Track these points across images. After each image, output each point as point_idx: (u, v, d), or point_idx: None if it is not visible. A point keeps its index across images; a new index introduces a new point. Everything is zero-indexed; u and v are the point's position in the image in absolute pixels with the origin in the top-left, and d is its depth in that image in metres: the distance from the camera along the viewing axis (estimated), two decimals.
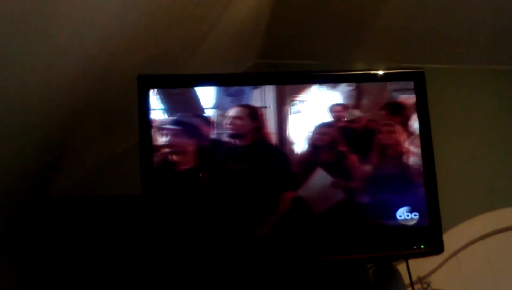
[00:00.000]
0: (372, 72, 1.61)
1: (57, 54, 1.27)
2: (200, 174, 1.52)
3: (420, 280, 1.87)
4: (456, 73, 2.22)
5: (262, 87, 1.57)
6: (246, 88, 1.56)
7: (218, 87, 1.57)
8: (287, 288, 1.76)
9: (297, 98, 1.57)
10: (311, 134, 1.55)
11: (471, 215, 1.99)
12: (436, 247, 1.53)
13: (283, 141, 1.55)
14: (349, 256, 1.53)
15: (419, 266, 1.84)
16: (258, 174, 1.54)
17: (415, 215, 1.52)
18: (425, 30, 2.04)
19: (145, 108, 1.51)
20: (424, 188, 1.54)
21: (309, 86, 1.58)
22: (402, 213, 1.52)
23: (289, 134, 1.55)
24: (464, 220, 1.98)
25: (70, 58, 1.33)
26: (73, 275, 1.76)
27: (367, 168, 1.54)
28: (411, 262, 1.67)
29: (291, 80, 1.61)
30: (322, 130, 1.56)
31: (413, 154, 1.55)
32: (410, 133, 1.57)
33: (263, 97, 1.56)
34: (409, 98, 1.58)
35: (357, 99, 1.58)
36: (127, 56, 1.53)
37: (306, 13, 1.94)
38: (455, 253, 1.95)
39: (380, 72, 1.61)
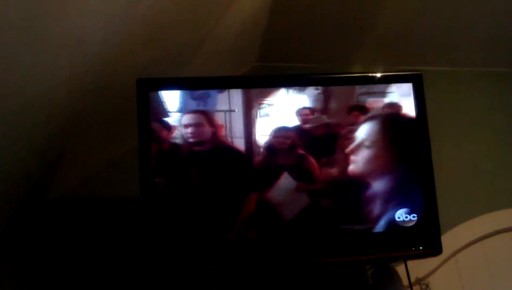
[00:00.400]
0: (370, 74, 1.62)
1: (57, 56, 1.27)
2: (156, 179, 1.51)
3: (419, 281, 1.88)
4: (455, 75, 2.23)
5: (228, 90, 1.56)
6: (212, 92, 1.56)
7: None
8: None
9: (265, 102, 1.56)
10: (277, 137, 1.55)
11: (470, 217, 1.99)
12: (434, 249, 1.53)
13: (248, 145, 1.54)
14: (348, 257, 1.54)
15: (418, 267, 1.84)
16: (219, 179, 1.53)
17: (413, 217, 1.53)
18: (423, 32, 2.05)
19: (144, 111, 1.51)
20: (422, 190, 1.54)
21: (278, 90, 1.58)
22: (401, 215, 1.52)
23: (255, 137, 1.54)
24: (463, 221, 1.98)
25: (70, 61, 1.34)
26: (73, 277, 1.76)
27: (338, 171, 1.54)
28: (410, 263, 1.67)
29: (294, 82, 1.61)
30: (285, 134, 1.56)
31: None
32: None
33: (230, 100, 1.56)
34: (376, 102, 1.58)
35: (324, 103, 1.58)
36: (126, 59, 1.54)
37: (305, 16, 1.94)
38: (453, 254, 1.95)
39: (378, 75, 1.61)
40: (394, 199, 1.54)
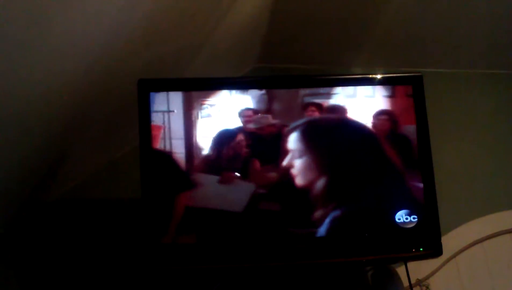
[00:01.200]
0: (370, 76, 1.62)
1: (57, 58, 1.28)
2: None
3: (419, 282, 1.88)
4: (454, 77, 2.23)
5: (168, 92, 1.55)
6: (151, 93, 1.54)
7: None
8: None
9: (206, 102, 1.55)
10: (220, 139, 1.54)
11: (470, 218, 1.99)
12: (435, 250, 1.53)
13: (189, 146, 1.53)
14: (348, 258, 1.54)
15: (418, 269, 1.84)
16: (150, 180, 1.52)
17: (414, 218, 1.53)
18: (423, 34, 2.05)
19: (145, 111, 1.52)
20: (423, 191, 1.54)
21: (220, 91, 1.56)
22: (401, 216, 1.52)
23: (195, 139, 1.53)
24: (463, 223, 1.97)
25: (71, 63, 1.34)
26: (73, 278, 1.76)
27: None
28: (410, 264, 1.67)
29: (300, 83, 1.61)
30: (232, 135, 1.55)
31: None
32: None
33: (168, 101, 1.54)
34: (323, 103, 1.57)
35: (268, 104, 1.57)
36: (127, 60, 1.54)
37: (305, 17, 1.94)
38: (454, 256, 1.95)
39: (379, 76, 1.61)
40: (394, 200, 1.54)
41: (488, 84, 2.23)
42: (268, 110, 1.56)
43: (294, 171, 1.52)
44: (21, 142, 1.45)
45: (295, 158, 1.53)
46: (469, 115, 2.17)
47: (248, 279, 1.76)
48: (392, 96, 1.60)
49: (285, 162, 1.52)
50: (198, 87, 1.58)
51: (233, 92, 1.57)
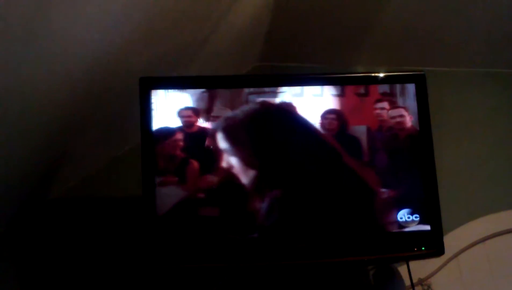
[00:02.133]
0: (373, 74, 1.61)
1: (58, 57, 1.28)
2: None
3: (421, 282, 1.87)
4: (455, 76, 2.23)
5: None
6: None
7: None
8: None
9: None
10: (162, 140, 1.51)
11: (472, 217, 1.98)
12: (437, 249, 1.53)
13: None
14: (350, 258, 1.53)
15: (420, 268, 1.84)
16: None
17: (416, 217, 1.52)
18: (424, 33, 2.05)
19: (146, 109, 1.51)
20: (425, 190, 1.54)
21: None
22: (403, 215, 1.52)
23: None
24: (465, 222, 1.97)
25: (72, 61, 1.34)
26: (74, 276, 1.76)
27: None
28: (412, 264, 1.67)
29: (298, 82, 1.59)
30: (170, 136, 1.52)
31: None
32: None
33: None
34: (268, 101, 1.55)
35: (209, 103, 1.53)
36: (128, 59, 1.54)
37: (307, 16, 1.94)
38: (455, 255, 1.95)
39: (381, 75, 1.61)
40: (396, 199, 1.53)
41: (488, 83, 2.23)
42: (209, 109, 1.53)
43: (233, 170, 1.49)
44: (22, 141, 1.45)
45: (229, 156, 1.50)
46: (469, 114, 2.17)
47: (249, 279, 1.76)
48: (341, 95, 1.57)
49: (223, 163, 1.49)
50: (198, 85, 1.57)
51: (170, 91, 1.54)
